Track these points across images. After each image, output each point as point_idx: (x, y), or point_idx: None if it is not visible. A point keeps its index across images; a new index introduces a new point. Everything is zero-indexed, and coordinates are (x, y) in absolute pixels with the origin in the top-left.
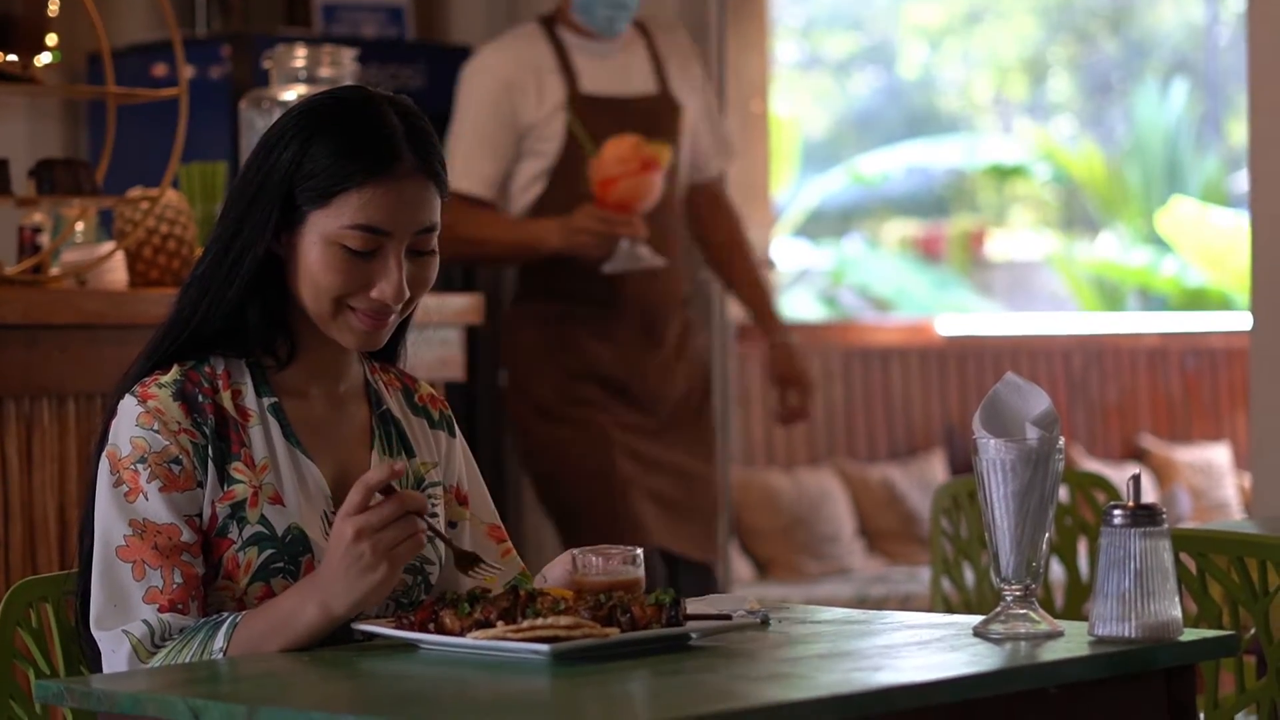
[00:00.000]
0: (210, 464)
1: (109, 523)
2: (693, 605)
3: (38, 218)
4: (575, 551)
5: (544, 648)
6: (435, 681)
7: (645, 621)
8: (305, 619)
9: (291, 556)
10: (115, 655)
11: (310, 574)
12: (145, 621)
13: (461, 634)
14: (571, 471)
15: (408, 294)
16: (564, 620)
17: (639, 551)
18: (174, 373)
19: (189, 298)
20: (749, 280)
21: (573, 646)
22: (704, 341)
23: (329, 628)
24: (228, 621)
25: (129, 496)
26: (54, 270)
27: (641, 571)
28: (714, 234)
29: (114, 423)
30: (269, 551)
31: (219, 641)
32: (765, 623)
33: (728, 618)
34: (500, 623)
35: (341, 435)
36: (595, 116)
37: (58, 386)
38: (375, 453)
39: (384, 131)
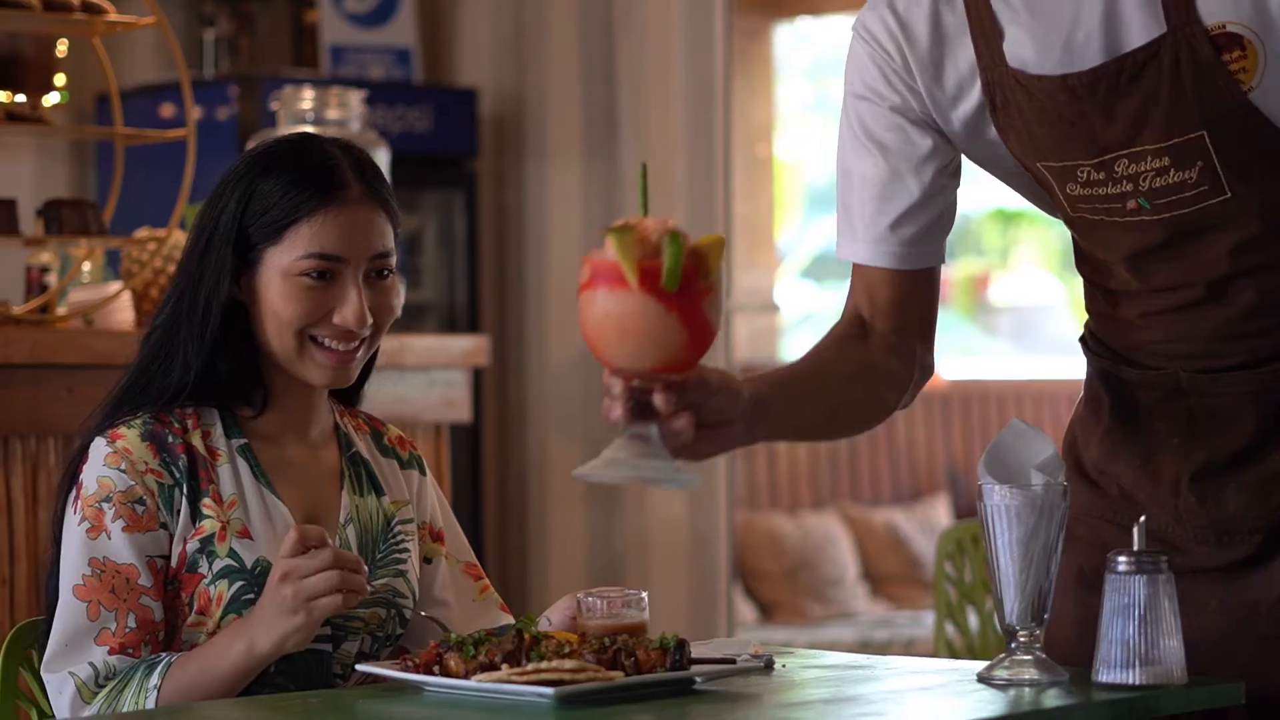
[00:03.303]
0: (184, 502)
1: (71, 560)
2: (697, 649)
3: (45, 257)
4: (578, 594)
5: (548, 691)
6: None
7: (650, 665)
8: (231, 656)
9: (262, 588)
10: (60, 698)
11: (241, 616)
12: (92, 664)
13: (466, 676)
14: None
15: (370, 319)
16: (568, 664)
17: (643, 594)
18: (143, 415)
19: (153, 347)
20: None
21: (577, 690)
22: None
23: (254, 666)
24: (164, 661)
25: (91, 534)
26: (61, 310)
27: (646, 615)
28: None
29: (83, 465)
30: (239, 583)
31: (154, 679)
32: (769, 667)
33: (732, 662)
34: (504, 665)
35: (312, 477)
36: (1031, 110)
37: (64, 426)
38: (345, 493)
39: (327, 162)
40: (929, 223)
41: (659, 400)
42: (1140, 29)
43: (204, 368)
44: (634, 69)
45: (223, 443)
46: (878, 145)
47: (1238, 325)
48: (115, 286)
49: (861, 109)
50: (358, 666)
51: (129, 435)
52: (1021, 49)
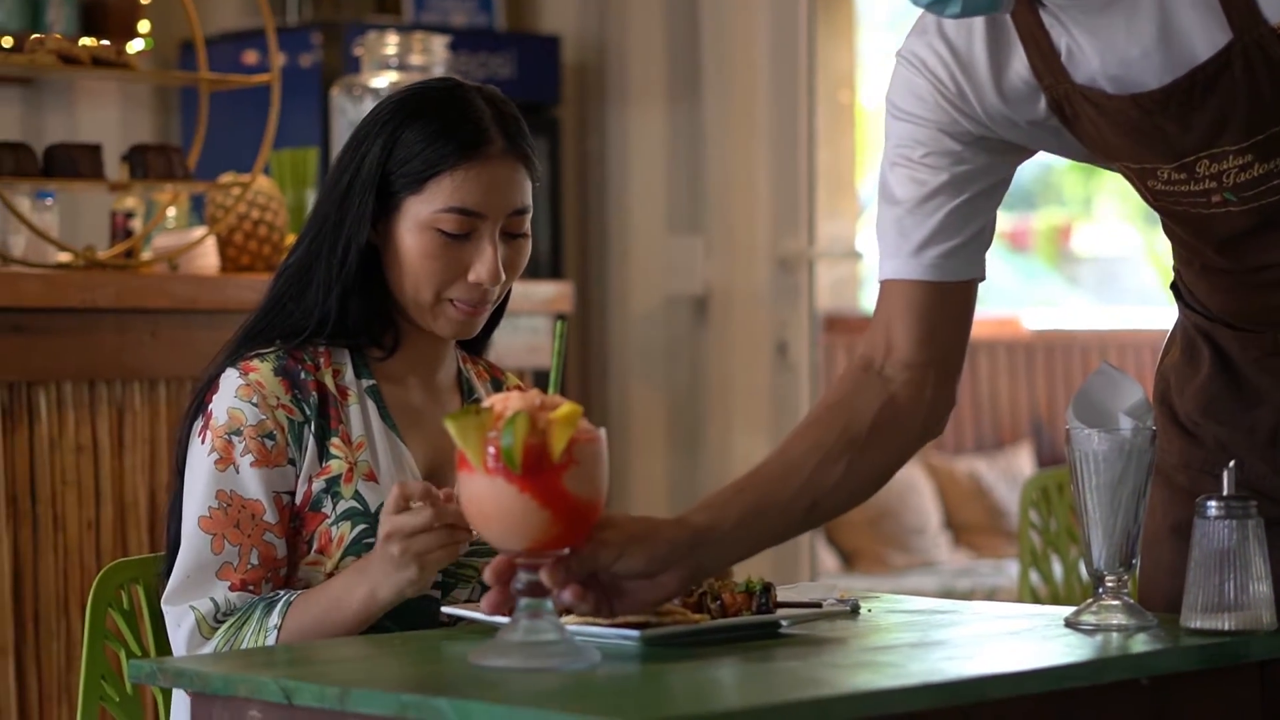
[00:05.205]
0: (312, 439)
1: (197, 491)
2: (782, 593)
3: (130, 202)
4: None
5: (634, 633)
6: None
7: (735, 608)
8: (353, 603)
9: None
10: (179, 630)
11: (359, 560)
12: (213, 599)
13: None
14: None
15: (503, 276)
16: None
17: None
18: (276, 349)
19: (286, 284)
20: None
21: (663, 632)
22: None
23: (377, 611)
24: (283, 600)
25: (219, 465)
26: (146, 255)
27: None
28: None
29: (213, 395)
30: (361, 527)
31: (274, 619)
32: (855, 611)
33: (818, 605)
34: None
35: (435, 425)
36: (1103, 121)
37: (149, 371)
38: None
39: (472, 115)
40: (969, 238)
41: (543, 578)
42: (1203, 40)
43: (338, 308)
44: (717, 14)
45: (353, 383)
46: (919, 164)
47: None
48: (200, 232)
49: (904, 130)
50: (444, 609)
51: (262, 369)
52: (1080, 67)
